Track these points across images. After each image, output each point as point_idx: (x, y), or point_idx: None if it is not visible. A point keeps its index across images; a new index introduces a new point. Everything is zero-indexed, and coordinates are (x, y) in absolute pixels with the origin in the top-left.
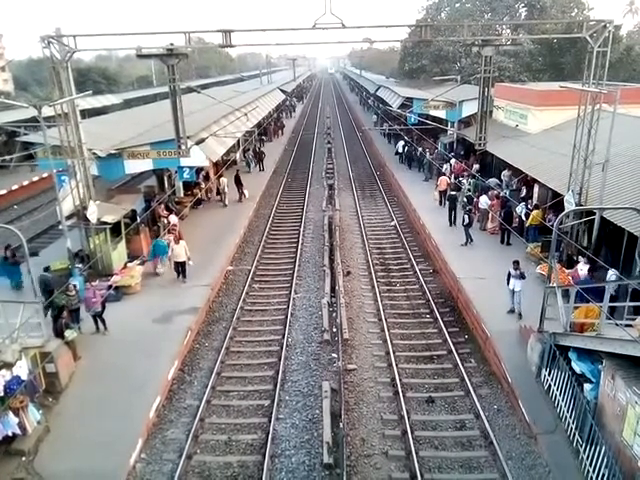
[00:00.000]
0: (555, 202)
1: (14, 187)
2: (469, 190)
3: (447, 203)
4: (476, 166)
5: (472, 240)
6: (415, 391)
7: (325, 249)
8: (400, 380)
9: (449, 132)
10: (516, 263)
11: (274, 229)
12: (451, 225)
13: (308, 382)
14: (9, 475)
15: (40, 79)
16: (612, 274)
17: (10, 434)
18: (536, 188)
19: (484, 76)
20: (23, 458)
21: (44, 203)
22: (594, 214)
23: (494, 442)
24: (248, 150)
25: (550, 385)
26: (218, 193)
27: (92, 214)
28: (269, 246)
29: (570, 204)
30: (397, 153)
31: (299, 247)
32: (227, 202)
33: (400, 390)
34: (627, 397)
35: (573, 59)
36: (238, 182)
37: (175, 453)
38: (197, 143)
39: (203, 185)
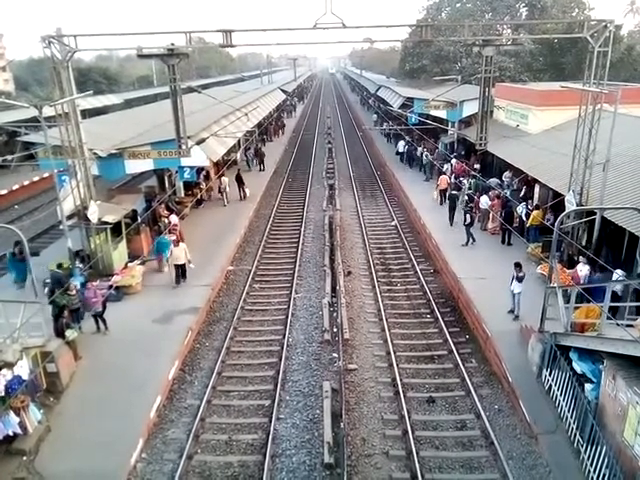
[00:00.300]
0: (556, 202)
1: (15, 187)
2: (469, 188)
3: (447, 202)
4: (477, 166)
5: (474, 240)
6: (416, 391)
7: (326, 249)
8: (401, 380)
9: (450, 132)
10: (516, 265)
11: (275, 229)
12: (452, 224)
13: (309, 382)
14: (10, 474)
15: (41, 79)
16: (620, 275)
17: (11, 433)
18: (537, 188)
19: (485, 76)
20: (24, 457)
21: (45, 203)
22: (595, 214)
23: (495, 442)
24: (249, 149)
25: (551, 385)
26: (220, 192)
27: (93, 214)
28: (270, 246)
29: (571, 204)
30: (398, 153)
31: (300, 247)
32: (228, 201)
33: (401, 390)
34: (628, 397)
35: (574, 59)
36: (240, 181)
37: (176, 453)
38: (198, 143)
39: (204, 185)
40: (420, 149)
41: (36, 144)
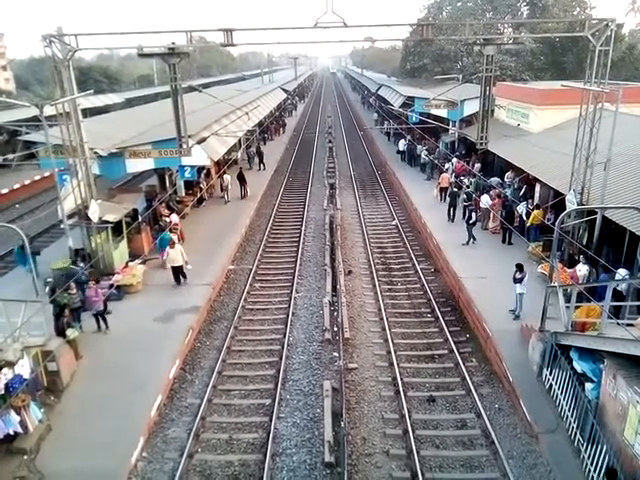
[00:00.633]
0: (557, 201)
1: (16, 186)
2: (467, 187)
3: (448, 199)
4: (477, 165)
5: (475, 239)
6: (416, 390)
7: (326, 248)
8: (401, 379)
9: (450, 131)
10: (517, 266)
11: (275, 228)
12: (453, 221)
13: (309, 381)
14: (11, 473)
15: (42, 78)
16: (624, 274)
17: (12, 432)
18: (537, 187)
19: (486, 75)
20: (25, 456)
21: (46, 202)
22: (596, 213)
23: (495, 441)
24: (250, 147)
25: (551, 384)
26: (222, 190)
27: (93, 213)
28: (270, 245)
29: (572, 203)
30: (398, 152)
31: (300, 246)
32: (230, 199)
33: (401, 389)
34: (628, 396)
35: (575, 58)
36: (242, 179)
37: (176, 452)
38: (198, 142)
39: (204, 184)
40: (419, 147)
41: (37, 143)
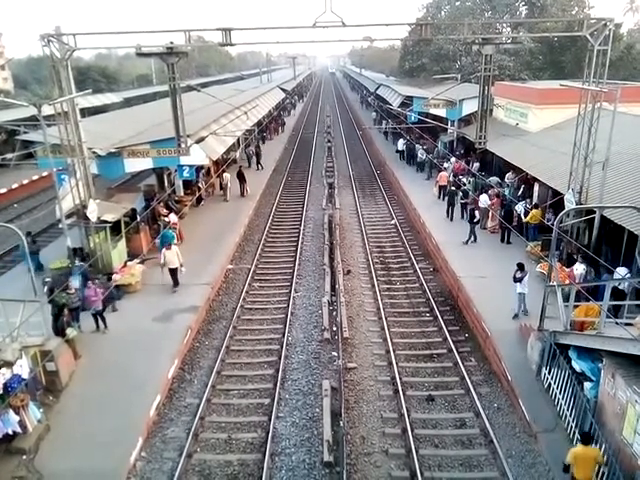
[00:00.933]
0: (555, 201)
1: (14, 185)
2: (465, 185)
3: (446, 198)
4: (476, 165)
5: (476, 239)
6: (415, 389)
7: (325, 248)
8: (400, 378)
9: (449, 131)
10: (518, 265)
11: (274, 228)
12: (452, 220)
13: (308, 381)
14: (10, 473)
15: (40, 78)
16: (624, 273)
17: (11, 432)
18: (536, 187)
19: (484, 74)
20: (24, 456)
21: (44, 202)
22: (594, 213)
23: (494, 440)
24: (249, 146)
25: (550, 383)
26: (221, 188)
27: (92, 213)
28: (269, 244)
29: (570, 203)
30: (397, 151)
31: (299, 246)
32: (229, 197)
33: (400, 388)
34: (627, 396)
35: (573, 57)
36: (241, 178)
37: (175, 452)
38: (197, 142)
39: (203, 183)
40: (417, 146)
41: (35, 143)
